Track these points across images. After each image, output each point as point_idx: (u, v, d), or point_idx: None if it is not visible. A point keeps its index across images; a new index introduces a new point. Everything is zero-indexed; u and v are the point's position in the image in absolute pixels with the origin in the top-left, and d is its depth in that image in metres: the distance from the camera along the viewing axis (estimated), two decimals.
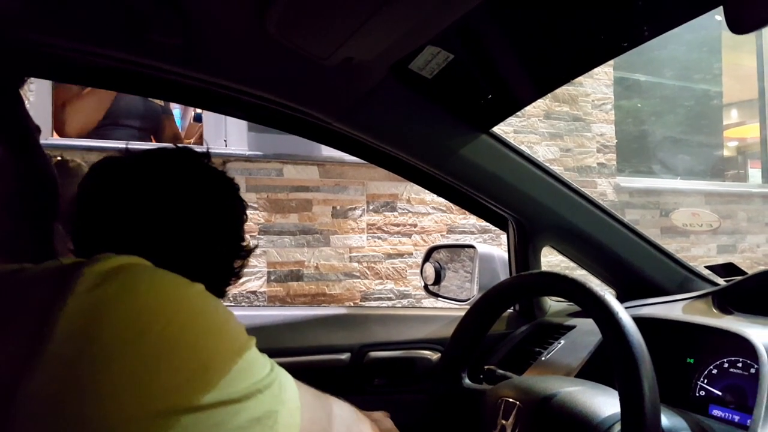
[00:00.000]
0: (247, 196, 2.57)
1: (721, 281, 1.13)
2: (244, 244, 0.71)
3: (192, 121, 3.79)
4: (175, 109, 3.76)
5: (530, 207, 1.16)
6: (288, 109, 1.00)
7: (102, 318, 0.38)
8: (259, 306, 2.52)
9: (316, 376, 1.16)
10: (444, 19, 0.75)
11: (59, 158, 0.94)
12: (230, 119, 2.48)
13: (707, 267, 1.20)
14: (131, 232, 0.61)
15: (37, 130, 0.60)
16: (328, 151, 2.68)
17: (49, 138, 2.20)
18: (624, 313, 0.63)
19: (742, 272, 1.10)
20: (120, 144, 2.34)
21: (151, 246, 0.60)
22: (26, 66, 0.97)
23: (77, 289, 0.38)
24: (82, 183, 0.64)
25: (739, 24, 0.46)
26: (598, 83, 3.59)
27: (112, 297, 0.39)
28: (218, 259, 0.67)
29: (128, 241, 0.60)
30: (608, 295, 0.65)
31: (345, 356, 1.16)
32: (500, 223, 1.29)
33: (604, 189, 3.59)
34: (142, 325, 0.38)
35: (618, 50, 0.80)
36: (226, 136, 2.58)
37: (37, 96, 2.20)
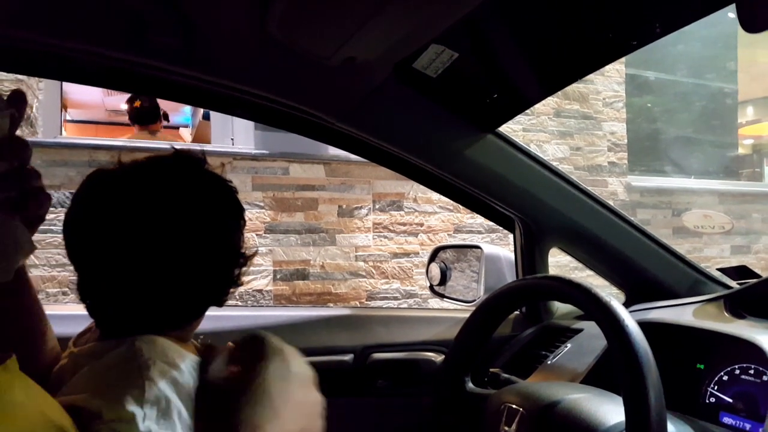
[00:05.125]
0: (253, 195, 2.57)
1: (733, 284, 1.11)
2: (243, 251, 0.68)
3: (202, 119, 3.80)
4: (186, 107, 3.78)
5: (537, 208, 1.14)
6: (291, 109, 1.00)
7: None
8: (262, 306, 2.53)
9: (319, 377, 1.15)
10: (448, 18, 0.74)
11: None
12: (237, 118, 2.48)
13: (719, 269, 1.18)
14: (124, 247, 0.59)
15: None
16: (334, 150, 2.68)
17: (57, 136, 2.22)
18: (629, 320, 0.61)
19: (755, 275, 1.08)
20: (124, 141, 2.35)
21: (144, 261, 0.58)
22: (30, 65, 0.97)
23: None
24: (77, 194, 0.62)
25: (753, 23, 0.45)
26: (609, 81, 3.56)
27: None
28: (213, 270, 0.65)
29: (122, 256, 0.58)
30: (614, 300, 0.64)
31: (348, 357, 1.15)
32: (507, 224, 1.27)
33: (614, 188, 3.56)
34: None
35: (627, 48, 0.78)
36: (233, 134, 2.58)
37: (45, 94, 2.21)
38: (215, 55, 0.87)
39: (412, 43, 0.82)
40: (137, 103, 2.80)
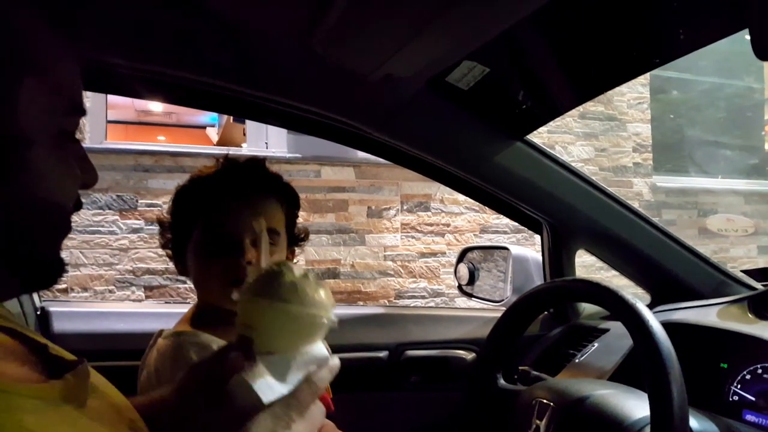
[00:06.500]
0: None
1: (758, 285, 1.12)
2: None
3: (231, 121, 3.87)
4: None
5: (564, 211, 1.17)
6: (329, 120, 1.05)
7: None
8: None
9: (356, 373, 1.21)
10: (482, 37, 0.78)
11: None
12: None
13: (743, 271, 1.19)
14: None
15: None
16: (363, 154, 2.73)
17: (103, 142, 2.32)
18: (654, 320, 0.65)
19: None
20: (167, 147, 2.43)
21: None
22: (89, 82, 1.04)
23: None
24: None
25: (764, 49, 0.48)
26: (633, 82, 3.54)
27: None
28: None
29: None
30: (639, 302, 0.68)
31: (383, 354, 1.21)
32: (534, 227, 1.30)
33: (640, 189, 3.54)
34: None
35: (650, 65, 0.81)
36: (267, 138, 2.66)
37: (93, 103, 2.31)
38: (264, 72, 0.92)
39: (446, 60, 0.87)
40: None
